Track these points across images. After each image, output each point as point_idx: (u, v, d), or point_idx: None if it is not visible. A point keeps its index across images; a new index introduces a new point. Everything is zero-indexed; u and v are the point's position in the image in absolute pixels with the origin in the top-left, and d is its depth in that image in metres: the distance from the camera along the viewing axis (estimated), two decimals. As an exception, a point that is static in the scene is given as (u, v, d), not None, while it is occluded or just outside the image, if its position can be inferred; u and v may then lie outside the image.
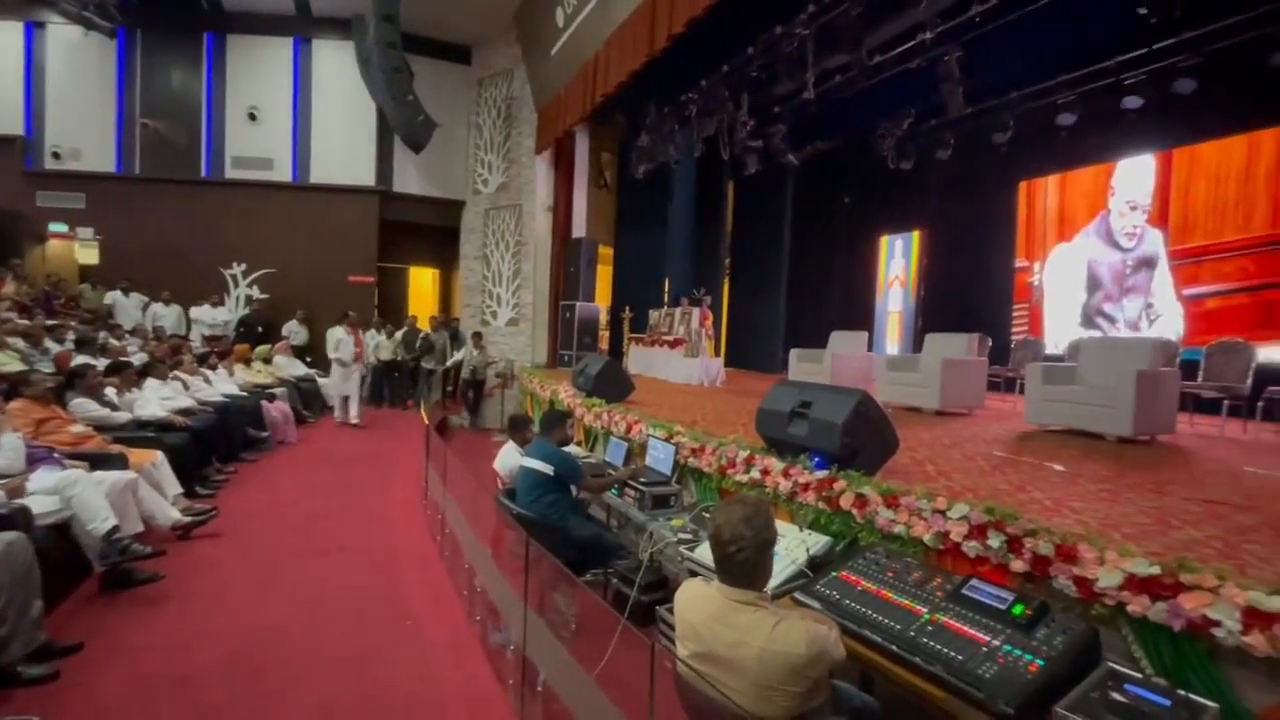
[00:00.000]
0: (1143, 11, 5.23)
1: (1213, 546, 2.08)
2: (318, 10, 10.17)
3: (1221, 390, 5.11)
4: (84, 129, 9.99)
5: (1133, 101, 6.75)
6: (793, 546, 2.60)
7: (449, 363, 9.91)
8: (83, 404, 4.61)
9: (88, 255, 10.05)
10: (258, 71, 10.41)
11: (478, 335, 9.89)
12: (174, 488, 4.37)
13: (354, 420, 8.37)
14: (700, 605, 1.67)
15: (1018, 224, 8.85)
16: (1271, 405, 4.88)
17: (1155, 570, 1.75)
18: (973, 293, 9.02)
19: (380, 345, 9.99)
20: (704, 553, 2.72)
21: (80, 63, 9.95)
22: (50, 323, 7.06)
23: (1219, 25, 5.83)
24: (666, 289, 10.86)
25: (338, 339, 8.40)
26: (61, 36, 9.85)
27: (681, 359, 8.22)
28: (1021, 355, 7.09)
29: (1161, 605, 1.72)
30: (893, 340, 10.81)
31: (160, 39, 10.17)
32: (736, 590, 1.61)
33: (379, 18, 8.44)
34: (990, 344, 6.41)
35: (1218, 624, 1.62)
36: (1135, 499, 2.75)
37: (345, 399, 8.52)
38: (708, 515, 3.15)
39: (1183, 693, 1.50)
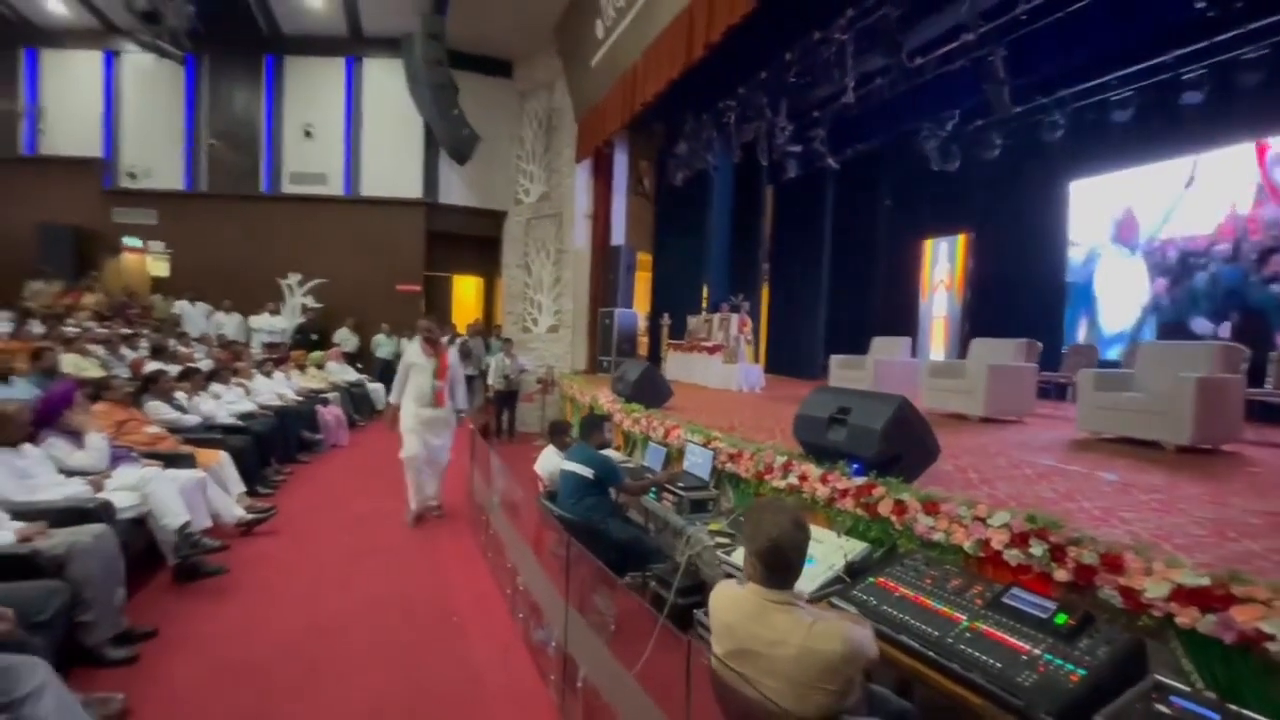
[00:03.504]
0: (1201, 5, 5.02)
1: (1271, 559, 2.01)
2: (369, 30, 10.63)
3: (1292, 398, 4.84)
4: (156, 150, 10.68)
5: (1192, 96, 6.48)
6: (830, 552, 2.61)
7: (488, 372, 9.16)
8: (157, 407, 4.94)
9: (159, 268, 10.72)
10: (313, 90, 10.95)
11: (508, 342, 9.47)
12: (238, 486, 4.66)
13: (433, 503, 5.08)
14: (735, 606, 1.71)
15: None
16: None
17: (1204, 581, 1.71)
18: (1021, 296, 8.76)
19: None
20: (743, 556, 2.74)
21: (153, 88, 10.65)
22: (125, 331, 7.57)
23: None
24: (705, 295, 10.88)
25: (410, 364, 4.82)
26: (136, 64, 10.56)
27: (720, 365, 8.22)
28: (1074, 361, 6.85)
29: (1211, 617, 1.68)
30: (938, 346, 10.56)
31: (225, 63, 10.81)
32: (774, 591, 1.65)
33: (426, 36, 8.77)
34: (1040, 349, 6.22)
35: (1271, 638, 1.57)
36: (1190, 510, 2.65)
37: (421, 467, 4.87)
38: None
39: (1234, 707, 1.47)
